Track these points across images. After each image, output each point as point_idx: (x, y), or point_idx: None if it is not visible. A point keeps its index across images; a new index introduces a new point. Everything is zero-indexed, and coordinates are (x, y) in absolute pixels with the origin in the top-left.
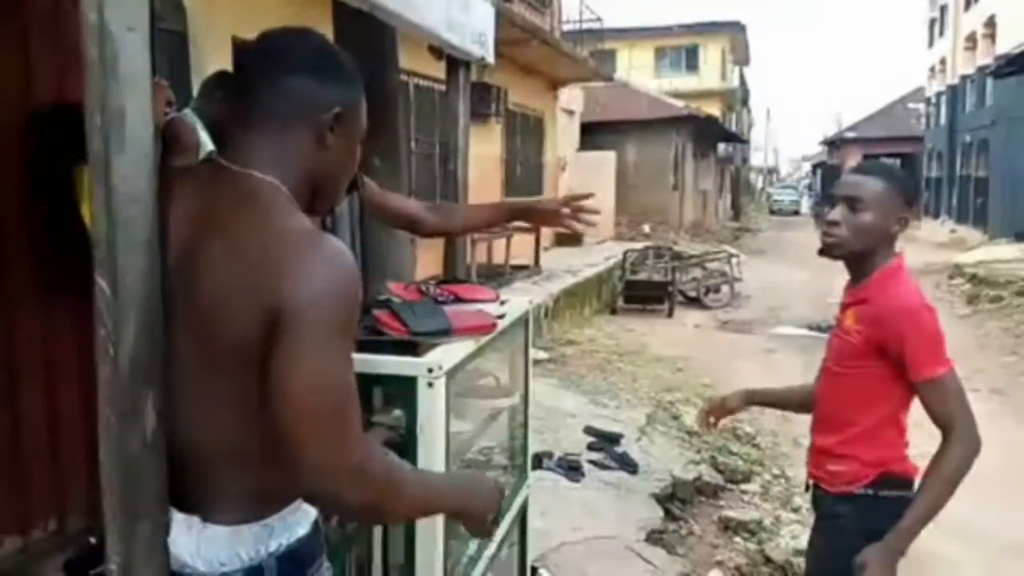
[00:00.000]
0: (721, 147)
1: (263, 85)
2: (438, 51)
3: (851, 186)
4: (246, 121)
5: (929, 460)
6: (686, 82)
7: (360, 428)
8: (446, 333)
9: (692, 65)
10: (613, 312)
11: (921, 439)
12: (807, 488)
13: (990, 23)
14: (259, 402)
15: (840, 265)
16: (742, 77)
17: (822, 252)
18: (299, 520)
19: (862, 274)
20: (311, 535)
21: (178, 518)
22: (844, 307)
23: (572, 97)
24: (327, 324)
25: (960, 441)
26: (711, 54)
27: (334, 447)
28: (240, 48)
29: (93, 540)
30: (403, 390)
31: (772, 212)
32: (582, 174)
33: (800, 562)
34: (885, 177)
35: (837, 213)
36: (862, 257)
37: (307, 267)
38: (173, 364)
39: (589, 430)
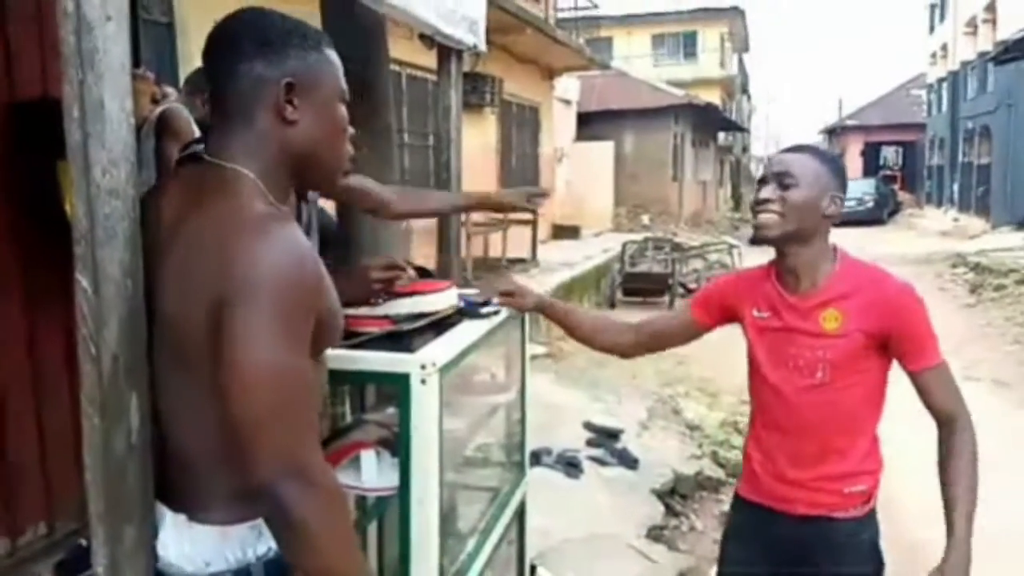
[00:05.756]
0: (721, 136)
1: (218, 78)
2: (429, 40)
3: (780, 163)
4: (216, 114)
5: (949, 456)
6: (685, 70)
7: (314, 430)
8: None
9: (690, 52)
10: (612, 305)
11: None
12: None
13: (990, 8)
14: None
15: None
16: (741, 64)
17: (754, 239)
18: None
19: (799, 266)
20: None
21: (168, 517)
22: (803, 311)
23: (568, 86)
24: (267, 310)
25: (967, 429)
26: (710, 40)
27: (277, 436)
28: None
29: (83, 542)
30: (396, 387)
31: None
32: (579, 164)
33: None
34: (815, 154)
35: (768, 191)
36: (797, 241)
37: (246, 251)
38: (157, 363)
39: (588, 426)
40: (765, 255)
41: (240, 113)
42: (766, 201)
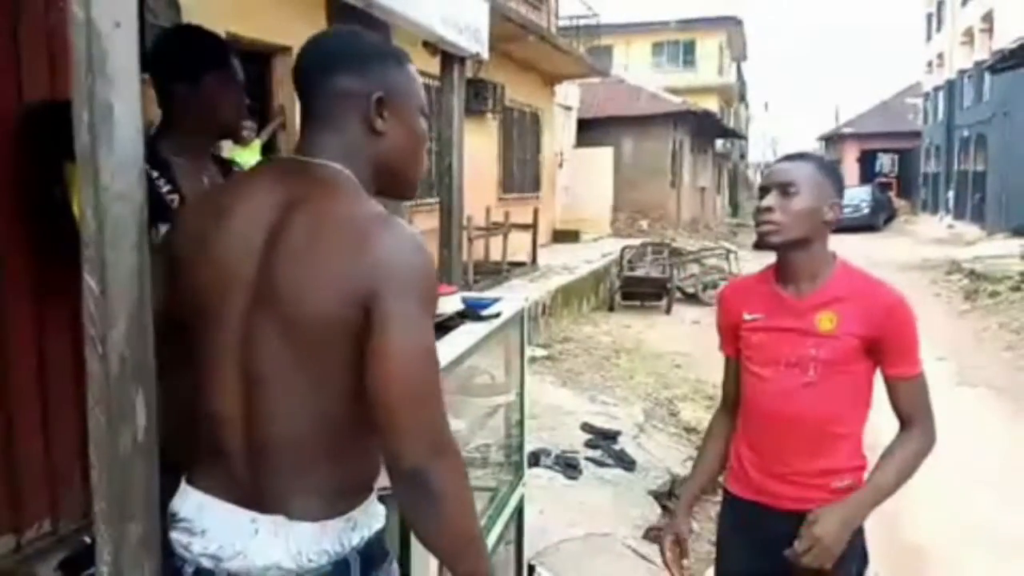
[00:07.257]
0: (719, 143)
1: (311, 89)
2: (432, 47)
3: (782, 172)
4: (307, 122)
5: (894, 447)
6: (683, 77)
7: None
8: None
9: (689, 60)
10: (611, 309)
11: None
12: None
13: (988, 17)
14: (344, 390)
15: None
16: (739, 72)
17: (758, 245)
18: (375, 514)
19: (800, 270)
20: (384, 530)
21: (262, 520)
22: (800, 311)
23: (569, 93)
24: (417, 300)
25: (923, 437)
26: (708, 49)
27: (429, 417)
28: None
29: (87, 540)
30: None
31: None
32: (579, 170)
33: None
34: (813, 162)
35: (771, 199)
36: (799, 247)
37: (393, 248)
38: (255, 359)
39: (586, 427)
40: (764, 259)
41: (332, 122)
42: (769, 209)
